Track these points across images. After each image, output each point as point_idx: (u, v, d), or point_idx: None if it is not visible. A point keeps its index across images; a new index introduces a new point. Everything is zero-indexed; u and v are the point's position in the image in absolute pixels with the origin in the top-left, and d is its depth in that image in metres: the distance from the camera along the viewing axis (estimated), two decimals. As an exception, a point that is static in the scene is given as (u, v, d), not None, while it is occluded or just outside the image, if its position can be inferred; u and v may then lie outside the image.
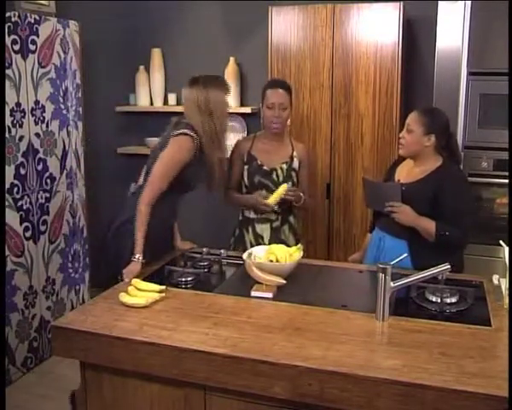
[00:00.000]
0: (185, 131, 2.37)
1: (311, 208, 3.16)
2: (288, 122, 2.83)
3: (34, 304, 3.30)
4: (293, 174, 2.75)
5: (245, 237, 2.77)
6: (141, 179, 2.47)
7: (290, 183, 2.72)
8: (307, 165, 2.85)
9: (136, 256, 2.26)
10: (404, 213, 2.34)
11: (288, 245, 2.65)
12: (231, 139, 3.88)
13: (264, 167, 2.72)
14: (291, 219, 2.82)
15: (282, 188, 2.62)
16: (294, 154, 2.77)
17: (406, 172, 2.51)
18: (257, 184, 2.71)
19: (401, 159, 2.60)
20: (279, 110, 2.65)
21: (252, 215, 2.76)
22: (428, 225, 2.32)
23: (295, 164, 2.75)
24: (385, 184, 2.52)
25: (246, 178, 2.74)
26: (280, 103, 2.65)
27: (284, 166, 2.73)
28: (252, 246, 2.67)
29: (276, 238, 2.71)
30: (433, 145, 2.41)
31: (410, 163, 2.52)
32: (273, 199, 2.62)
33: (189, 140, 2.37)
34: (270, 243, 2.63)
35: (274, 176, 2.72)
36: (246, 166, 2.74)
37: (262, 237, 2.73)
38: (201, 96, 2.42)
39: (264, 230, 2.74)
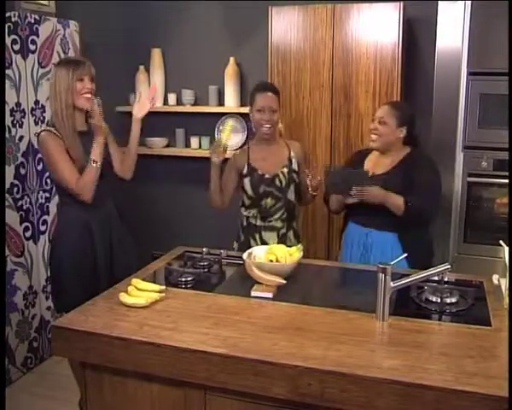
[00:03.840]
0: (41, 128, 2.50)
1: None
2: (280, 125, 2.85)
3: (34, 304, 3.30)
4: (295, 175, 2.76)
5: (251, 244, 2.73)
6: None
7: (293, 186, 2.74)
8: (304, 161, 2.88)
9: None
10: (373, 194, 2.41)
11: None
12: (231, 139, 3.90)
13: (266, 176, 2.72)
14: (294, 224, 2.84)
15: (228, 125, 2.66)
16: (292, 155, 2.77)
17: (375, 164, 2.57)
18: (261, 193, 2.72)
19: (365, 152, 2.66)
20: (269, 113, 2.65)
21: (258, 223, 2.76)
22: (397, 199, 2.41)
23: (294, 165, 2.76)
24: (352, 171, 2.54)
25: (249, 190, 2.73)
26: (269, 107, 2.65)
27: (285, 169, 2.73)
28: None
29: None
30: (404, 137, 2.53)
31: (376, 155, 2.60)
32: (224, 138, 2.66)
33: (47, 133, 2.43)
34: None
35: (277, 182, 2.72)
36: (247, 178, 2.73)
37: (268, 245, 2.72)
38: (52, 76, 2.49)
39: (270, 237, 2.74)
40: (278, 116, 2.74)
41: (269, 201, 2.71)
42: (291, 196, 2.75)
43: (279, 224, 2.75)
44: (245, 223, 2.81)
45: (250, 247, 2.69)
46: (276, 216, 2.74)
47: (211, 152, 2.65)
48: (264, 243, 2.73)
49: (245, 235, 2.80)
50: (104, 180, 2.52)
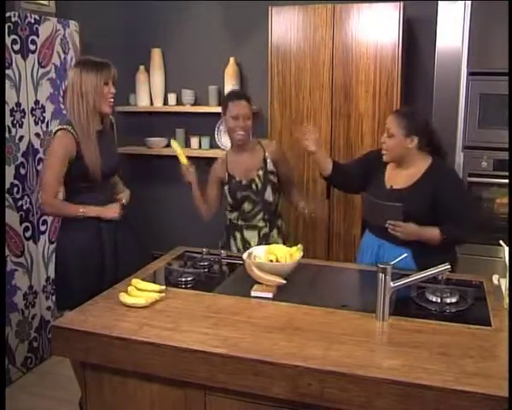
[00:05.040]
0: (59, 127, 2.45)
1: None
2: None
3: (34, 304, 3.30)
4: (271, 176, 2.77)
5: (231, 243, 2.81)
6: (37, 187, 2.53)
7: (269, 187, 2.75)
8: (283, 160, 2.88)
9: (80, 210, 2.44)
10: (408, 232, 2.31)
11: None
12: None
13: (243, 182, 2.76)
14: (279, 222, 2.85)
15: (175, 148, 2.75)
16: (266, 155, 2.78)
17: (396, 177, 2.46)
18: (239, 198, 2.76)
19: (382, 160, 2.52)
20: (244, 120, 2.68)
21: (240, 222, 2.79)
22: (432, 234, 2.31)
23: (270, 166, 2.77)
24: (385, 204, 2.40)
25: (229, 197, 2.79)
26: (244, 114, 2.68)
27: (260, 172, 2.75)
28: (239, 252, 2.72)
29: (264, 245, 2.74)
30: (416, 146, 2.39)
31: (395, 167, 2.48)
32: (183, 160, 2.75)
33: (64, 133, 2.41)
34: None
35: (253, 186, 2.75)
36: (227, 186, 2.79)
37: (249, 244, 2.76)
38: (76, 77, 2.41)
39: (252, 237, 2.77)
40: (251, 123, 2.75)
41: (246, 205, 2.76)
42: (268, 197, 2.76)
43: (261, 223, 2.79)
44: (228, 222, 2.86)
45: (232, 246, 2.80)
46: (258, 218, 2.78)
47: (183, 176, 2.76)
48: (245, 241, 2.77)
49: (227, 234, 2.85)
50: (113, 183, 2.56)
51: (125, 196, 2.68)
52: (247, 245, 2.75)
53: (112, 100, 2.48)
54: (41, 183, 2.47)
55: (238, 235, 2.79)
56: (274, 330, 1.75)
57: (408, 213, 2.31)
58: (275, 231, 2.81)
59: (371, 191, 2.51)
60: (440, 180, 2.36)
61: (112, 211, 2.52)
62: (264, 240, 2.76)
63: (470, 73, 2.97)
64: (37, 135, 3.23)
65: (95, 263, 2.49)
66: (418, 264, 2.31)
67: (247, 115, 2.70)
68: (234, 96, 2.78)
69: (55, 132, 2.44)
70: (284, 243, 2.81)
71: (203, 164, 2.95)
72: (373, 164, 2.56)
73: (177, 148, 2.71)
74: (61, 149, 2.41)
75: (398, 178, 2.45)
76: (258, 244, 2.73)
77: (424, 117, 2.44)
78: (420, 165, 2.41)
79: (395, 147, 2.39)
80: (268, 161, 2.77)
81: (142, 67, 4.05)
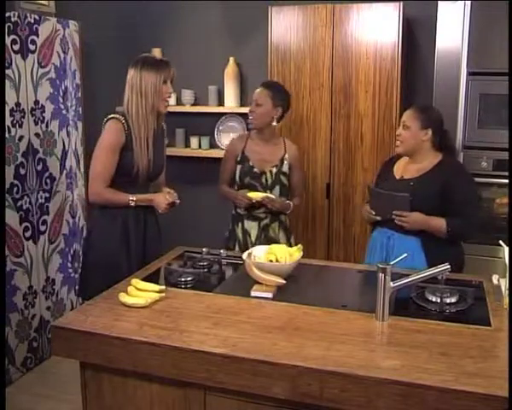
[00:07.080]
0: (111, 115, 2.43)
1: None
2: (274, 122, 2.85)
3: (34, 304, 3.30)
4: (283, 178, 2.82)
5: (236, 232, 2.87)
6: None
7: (278, 187, 2.80)
8: (298, 166, 2.93)
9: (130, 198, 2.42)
10: (413, 221, 2.35)
11: (278, 242, 2.73)
12: (230, 138, 3.91)
13: (255, 170, 2.79)
14: (281, 216, 2.88)
15: (263, 195, 2.73)
16: (286, 156, 2.83)
17: (406, 169, 2.51)
18: (247, 184, 2.80)
19: (396, 157, 2.62)
20: (254, 106, 2.78)
21: (242, 212, 2.84)
22: (438, 224, 2.36)
23: (285, 167, 2.82)
24: (394, 195, 2.43)
25: (238, 178, 2.82)
26: (255, 100, 2.78)
27: (274, 169, 2.80)
28: (239, 242, 2.83)
29: (264, 236, 2.80)
30: (430, 140, 2.44)
31: (406, 161, 2.53)
32: (254, 195, 2.73)
33: (116, 122, 2.40)
34: (256, 240, 2.77)
35: (263, 179, 2.80)
36: (239, 166, 2.82)
37: (249, 234, 2.82)
38: (136, 75, 2.41)
39: (252, 227, 2.82)
40: (265, 110, 2.78)
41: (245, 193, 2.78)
42: (276, 195, 2.80)
43: (262, 215, 2.82)
44: (233, 212, 2.90)
45: (235, 235, 2.86)
46: (260, 210, 2.81)
47: (239, 197, 2.76)
48: (245, 231, 2.83)
49: (232, 223, 2.90)
50: (150, 183, 2.59)
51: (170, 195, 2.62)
52: (246, 235, 2.81)
53: (169, 99, 2.48)
54: (90, 173, 2.44)
55: (240, 225, 2.84)
56: (274, 330, 1.75)
57: (416, 202, 2.35)
58: (276, 224, 2.84)
59: (380, 184, 2.56)
60: (450, 174, 2.41)
61: (160, 200, 2.49)
62: (264, 231, 2.79)
63: (470, 73, 2.97)
64: (37, 135, 3.23)
65: (120, 261, 2.47)
66: (427, 254, 2.36)
67: (258, 102, 2.77)
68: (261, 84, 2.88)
69: (107, 121, 2.43)
70: (287, 238, 2.84)
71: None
72: (384, 167, 2.68)
73: (254, 196, 2.75)
74: (111, 138, 2.39)
75: (408, 170, 2.50)
76: (257, 235, 2.79)
77: (440, 114, 2.50)
78: (431, 160, 2.46)
79: (409, 138, 2.44)
80: (285, 162, 2.81)
81: (141, 67, 4.04)
